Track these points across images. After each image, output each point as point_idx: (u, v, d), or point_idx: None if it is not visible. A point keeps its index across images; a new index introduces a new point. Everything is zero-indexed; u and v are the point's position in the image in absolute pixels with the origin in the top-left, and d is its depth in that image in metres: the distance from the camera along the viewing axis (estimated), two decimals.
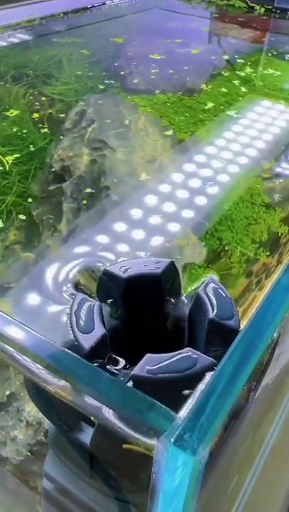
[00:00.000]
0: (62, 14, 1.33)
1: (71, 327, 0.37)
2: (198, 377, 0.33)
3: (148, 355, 0.34)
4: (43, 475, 0.43)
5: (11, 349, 0.33)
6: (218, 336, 0.37)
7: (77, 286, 0.54)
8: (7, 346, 0.34)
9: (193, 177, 0.76)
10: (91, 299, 0.39)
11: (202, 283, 0.41)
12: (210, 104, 0.97)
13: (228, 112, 0.96)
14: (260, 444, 0.45)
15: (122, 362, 0.37)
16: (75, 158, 0.80)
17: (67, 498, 0.43)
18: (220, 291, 0.40)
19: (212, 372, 0.32)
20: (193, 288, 0.49)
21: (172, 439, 0.27)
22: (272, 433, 0.47)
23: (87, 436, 0.38)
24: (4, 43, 1.16)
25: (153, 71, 1.13)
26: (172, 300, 0.44)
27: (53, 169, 0.79)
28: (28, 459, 0.52)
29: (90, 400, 0.30)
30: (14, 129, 0.87)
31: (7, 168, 0.78)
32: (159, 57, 1.21)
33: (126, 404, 0.30)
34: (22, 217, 0.70)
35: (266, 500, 0.57)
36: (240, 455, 0.38)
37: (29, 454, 0.52)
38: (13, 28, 1.20)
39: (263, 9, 1.48)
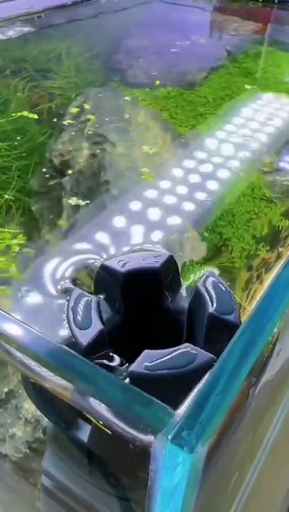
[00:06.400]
0: (61, 7, 1.33)
1: (68, 323, 0.36)
2: (197, 373, 0.32)
3: (146, 351, 0.34)
4: (42, 472, 0.43)
5: (8, 346, 0.33)
6: (218, 331, 0.37)
7: (75, 281, 0.54)
8: (4, 343, 0.33)
9: (194, 171, 0.75)
10: (88, 294, 0.39)
11: (201, 277, 0.40)
12: (210, 98, 0.96)
13: (229, 105, 0.95)
14: (260, 440, 0.44)
15: (119, 358, 0.36)
16: (74, 153, 0.80)
17: (66, 495, 0.42)
18: (219, 285, 0.39)
19: (211, 369, 0.32)
20: (192, 282, 0.48)
21: (170, 437, 0.27)
22: (273, 430, 0.47)
23: (85, 433, 0.37)
24: (3, 37, 1.15)
25: (153, 64, 1.12)
26: (171, 294, 0.43)
27: (53, 164, 0.78)
28: (27, 456, 0.52)
29: (87, 397, 0.30)
30: (13, 124, 0.86)
31: (7, 163, 0.77)
32: (159, 50, 1.20)
33: (123, 401, 0.29)
34: (22, 212, 0.69)
35: (267, 498, 0.57)
36: (240, 452, 0.37)
37: (28, 451, 0.51)
38: (12, 22, 1.20)
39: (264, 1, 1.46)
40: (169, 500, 0.28)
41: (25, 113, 0.90)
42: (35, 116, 0.87)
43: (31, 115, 0.87)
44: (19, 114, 0.89)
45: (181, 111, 0.91)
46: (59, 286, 0.53)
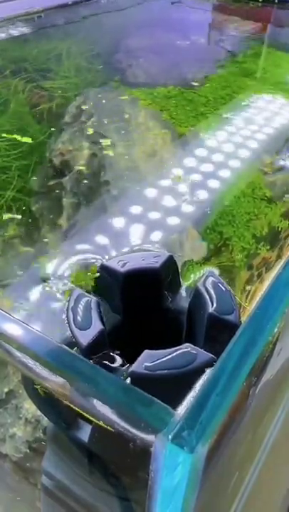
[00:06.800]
0: (61, 7, 1.32)
1: (68, 323, 0.36)
2: (197, 373, 0.32)
3: (146, 352, 0.34)
4: (42, 472, 0.43)
5: (9, 346, 0.33)
6: (218, 331, 0.37)
7: (75, 282, 0.54)
8: (5, 343, 0.33)
9: (194, 171, 0.75)
10: (88, 295, 0.39)
11: (201, 277, 0.40)
12: (211, 97, 0.96)
13: (229, 105, 0.95)
14: (261, 440, 0.44)
15: (120, 358, 0.36)
16: (74, 153, 0.80)
17: (67, 495, 0.42)
18: (219, 285, 0.39)
19: (211, 368, 0.32)
20: (192, 282, 0.48)
21: (170, 437, 0.27)
22: (273, 429, 0.47)
23: (85, 433, 0.37)
24: (3, 37, 1.15)
25: (153, 64, 1.12)
26: (171, 294, 0.43)
27: (53, 164, 0.78)
28: (27, 456, 0.52)
29: (87, 397, 0.30)
30: (14, 123, 0.86)
31: (7, 163, 0.77)
32: (159, 50, 1.20)
33: (124, 401, 0.29)
34: (22, 212, 0.69)
35: (267, 498, 0.57)
36: (240, 452, 0.37)
37: (28, 451, 0.51)
38: (12, 22, 1.19)
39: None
40: (170, 500, 0.28)
41: (25, 113, 0.90)
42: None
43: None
44: (19, 113, 0.89)
45: (181, 110, 0.91)
46: (59, 287, 0.53)
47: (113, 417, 0.29)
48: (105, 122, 0.86)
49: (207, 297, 0.38)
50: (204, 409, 0.28)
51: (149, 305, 0.42)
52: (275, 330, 0.34)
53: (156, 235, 0.62)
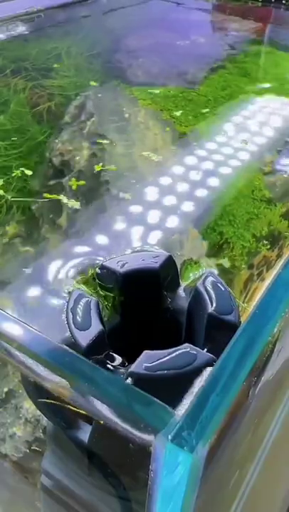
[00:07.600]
0: (61, 6, 1.32)
1: (68, 324, 0.36)
2: (197, 373, 0.32)
3: (146, 352, 0.34)
4: (42, 472, 0.43)
5: (9, 346, 0.33)
6: (218, 331, 0.37)
7: (75, 282, 0.54)
8: (4, 343, 0.33)
9: (194, 171, 0.75)
10: (88, 295, 0.39)
11: (201, 277, 0.40)
12: (211, 97, 0.96)
13: (229, 105, 0.95)
14: (261, 439, 0.44)
15: (119, 358, 0.36)
16: (74, 152, 0.80)
17: (66, 495, 0.42)
18: (219, 285, 0.39)
19: (211, 369, 0.32)
20: (192, 282, 0.48)
21: (170, 437, 0.27)
22: (273, 429, 0.47)
23: (85, 433, 0.37)
24: (3, 37, 1.15)
25: (153, 63, 1.12)
26: (170, 295, 0.43)
27: (53, 163, 0.78)
28: (27, 455, 0.52)
29: (87, 397, 0.30)
30: (13, 123, 0.86)
31: (7, 163, 0.77)
32: (159, 50, 1.20)
33: (124, 401, 0.29)
34: (22, 211, 0.69)
35: (267, 498, 0.57)
36: (240, 452, 0.37)
37: (28, 451, 0.51)
38: (11, 21, 1.19)
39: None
40: (169, 500, 0.28)
41: (24, 112, 0.90)
42: (35, 116, 0.85)
43: (31, 114, 0.84)
44: (19, 113, 0.89)
45: (181, 110, 0.91)
46: (58, 287, 0.53)
47: (113, 417, 0.29)
48: (105, 122, 0.86)
49: (206, 297, 0.38)
50: (204, 409, 0.28)
51: (148, 305, 0.42)
52: (275, 330, 0.34)
53: (156, 235, 0.62)
